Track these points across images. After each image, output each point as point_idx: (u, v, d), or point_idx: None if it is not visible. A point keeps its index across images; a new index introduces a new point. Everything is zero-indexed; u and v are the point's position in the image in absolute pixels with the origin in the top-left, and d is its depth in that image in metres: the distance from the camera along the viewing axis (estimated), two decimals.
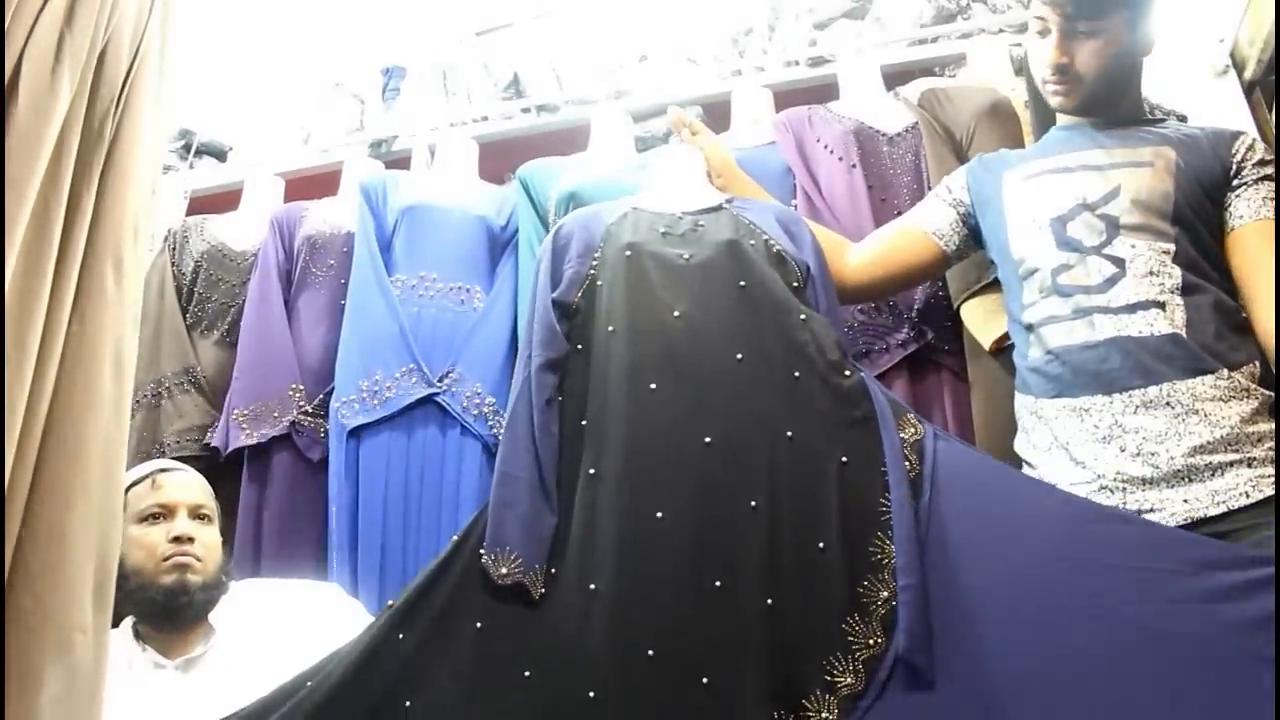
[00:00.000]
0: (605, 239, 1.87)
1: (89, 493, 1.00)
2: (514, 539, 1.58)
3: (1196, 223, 1.69)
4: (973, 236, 1.94)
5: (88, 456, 1.01)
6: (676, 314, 1.72)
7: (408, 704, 1.48)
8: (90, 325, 1.05)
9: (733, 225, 1.88)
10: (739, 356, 1.68)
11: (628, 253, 1.80)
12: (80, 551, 0.98)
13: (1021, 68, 2.34)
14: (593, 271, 1.82)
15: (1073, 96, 1.81)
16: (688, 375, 1.68)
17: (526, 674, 1.51)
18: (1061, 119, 1.90)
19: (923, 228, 1.96)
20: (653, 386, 1.66)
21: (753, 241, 1.84)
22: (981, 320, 2.05)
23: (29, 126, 1.03)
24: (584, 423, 1.69)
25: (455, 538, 1.61)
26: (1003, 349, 2.00)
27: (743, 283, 1.76)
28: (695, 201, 1.99)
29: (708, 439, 1.62)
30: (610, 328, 1.74)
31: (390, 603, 1.55)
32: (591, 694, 1.46)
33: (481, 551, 1.57)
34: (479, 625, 1.54)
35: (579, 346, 1.76)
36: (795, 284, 1.80)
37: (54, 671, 0.94)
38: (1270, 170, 1.72)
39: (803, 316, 1.73)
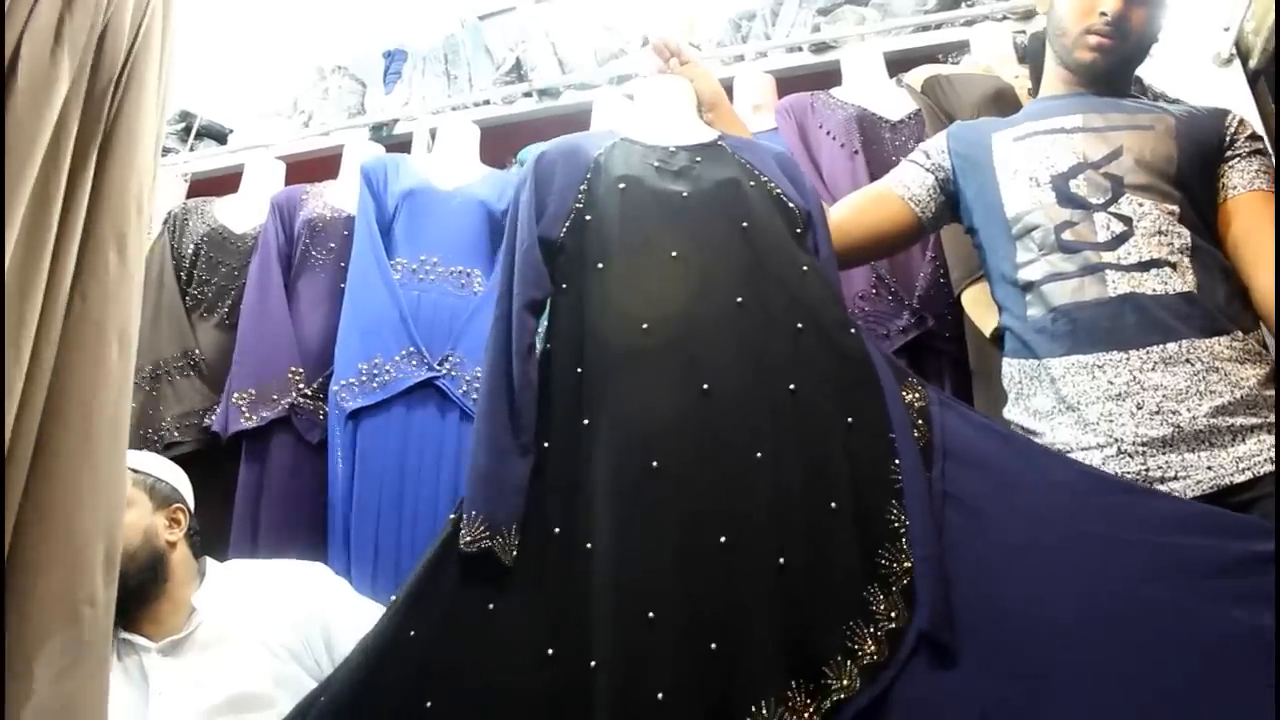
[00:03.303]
0: (593, 170, 1.76)
1: (95, 468, 1.00)
2: (480, 501, 1.48)
3: (1196, 188, 1.68)
4: (950, 205, 1.90)
5: (93, 433, 1.01)
6: (674, 254, 1.63)
7: (429, 704, 1.39)
8: (93, 304, 1.05)
9: (732, 164, 1.80)
10: (739, 300, 1.60)
11: (621, 186, 1.70)
12: (87, 526, 0.98)
13: (1025, 55, 2.34)
14: (579, 205, 1.71)
15: (1110, 55, 1.78)
16: (684, 318, 1.58)
17: (550, 651, 1.41)
18: (1048, 89, 1.89)
19: (897, 192, 1.91)
20: (645, 327, 1.57)
21: (752, 183, 1.76)
22: (983, 308, 2.03)
23: (29, 106, 1.03)
24: (580, 371, 1.59)
25: (451, 517, 1.51)
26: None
27: (745, 224, 1.67)
28: (688, 136, 1.89)
29: (705, 386, 1.53)
30: (600, 265, 1.64)
31: (393, 598, 1.46)
32: (593, 663, 1.37)
33: (458, 517, 1.48)
34: (491, 606, 1.45)
35: (564, 286, 1.67)
36: (797, 230, 1.73)
37: (62, 644, 0.94)
38: (1260, 145, 1.73)
39: (805, 268, 1.66)
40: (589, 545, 1.44)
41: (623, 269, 1.63)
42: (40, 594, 0.94)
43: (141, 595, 1.76)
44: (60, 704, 0.94)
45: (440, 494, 2.18)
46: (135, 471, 1.86)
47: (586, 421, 1.54)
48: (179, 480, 1.95)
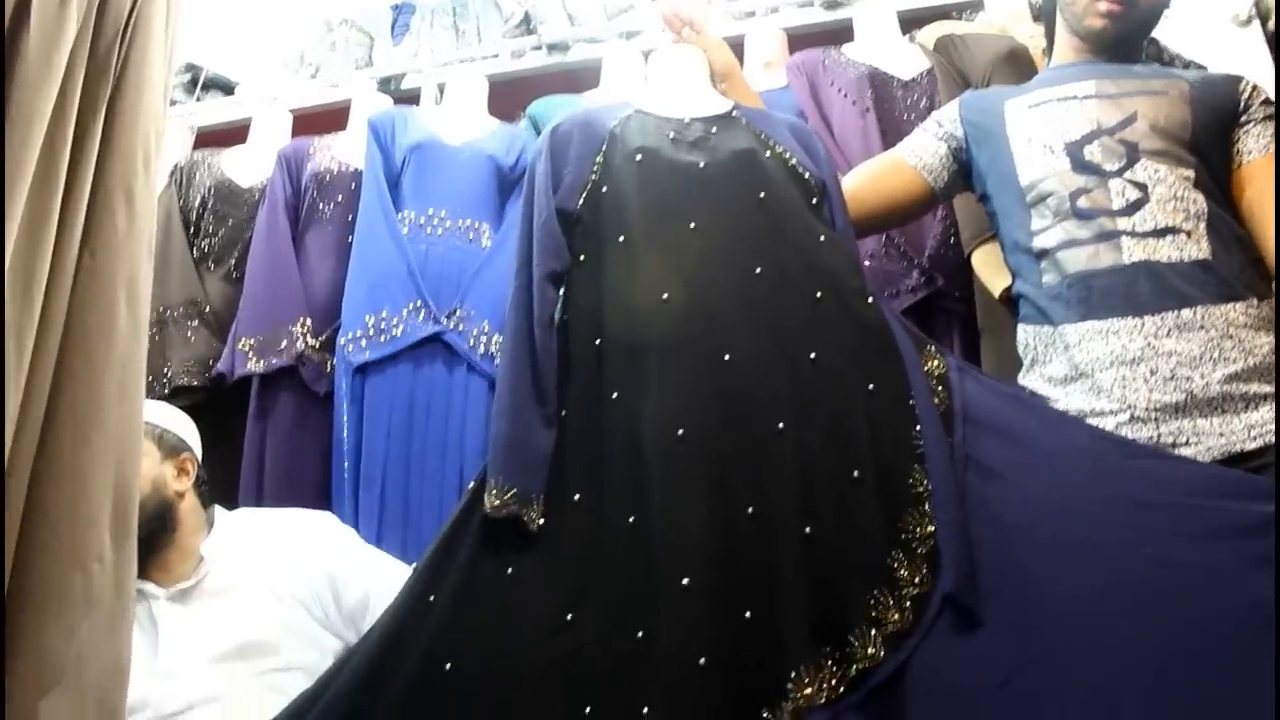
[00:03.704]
0: (609, 142, 1.77)
1: (104, 424, 1.00)
2: (507, 468, 1.51)
3: (1211, 153, 1.68)
4: (962, 173, 1.89)
5: (102, 388, 1.01)
6: (693, 225, 1.65)
7: (448, 667, 1.42)
8: (101, 257, 1.04)
9: (746, 135, 1.80)
10: (758, 270, 1.62)
11: (638, 158, 1.71)
12: (96, 482, 0.98)
13: (1040, 14, 2.31)
14: (595, 177, 1.72)
15: (1120, 22, 1.77)
16: (704, 289, 1.60)
17: (569, 617, 1.45)
18: (1059, 57, 1.87)
19: (910, 162, 1.91)
20: (664, 298, 1.59)
21: (768, 154, 1.76)
22: (994, 268, 2.02)
23: (38, 58, 1.02)
24: (599, 342, 1.61)
25: (472, 484, 1.54)
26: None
27: (762, 194, 1.68)
28: (703, 107, 1.89)
29: (726, 356, 1.55)
30: (620, 238, 1.66)
31: (415, 565, 1.50)
32: (640, 634, 1.40)
33: (480, 484, 1.51)
34: (510, 570, 1.48)
35: (581, 258, 1.68)
36: (813, 200, 1.73)
37: (71, 600, 0.95)
38: (1275, 110, 1.71)
39: (822, 237, 1.67)
40: (614, 514, 1.48)
41: (641, 241, 1.65)
42: (51, 550, 0.94)
43: (150, 544, 1.77)
44: (71, 659, 0.95)
45: (447, 448, 2.19)
46: (144, 421, 1.87)
47: (607, 392, 1.56)
48: (187, 430, 1.96)
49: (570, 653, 1.43)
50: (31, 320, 0.97)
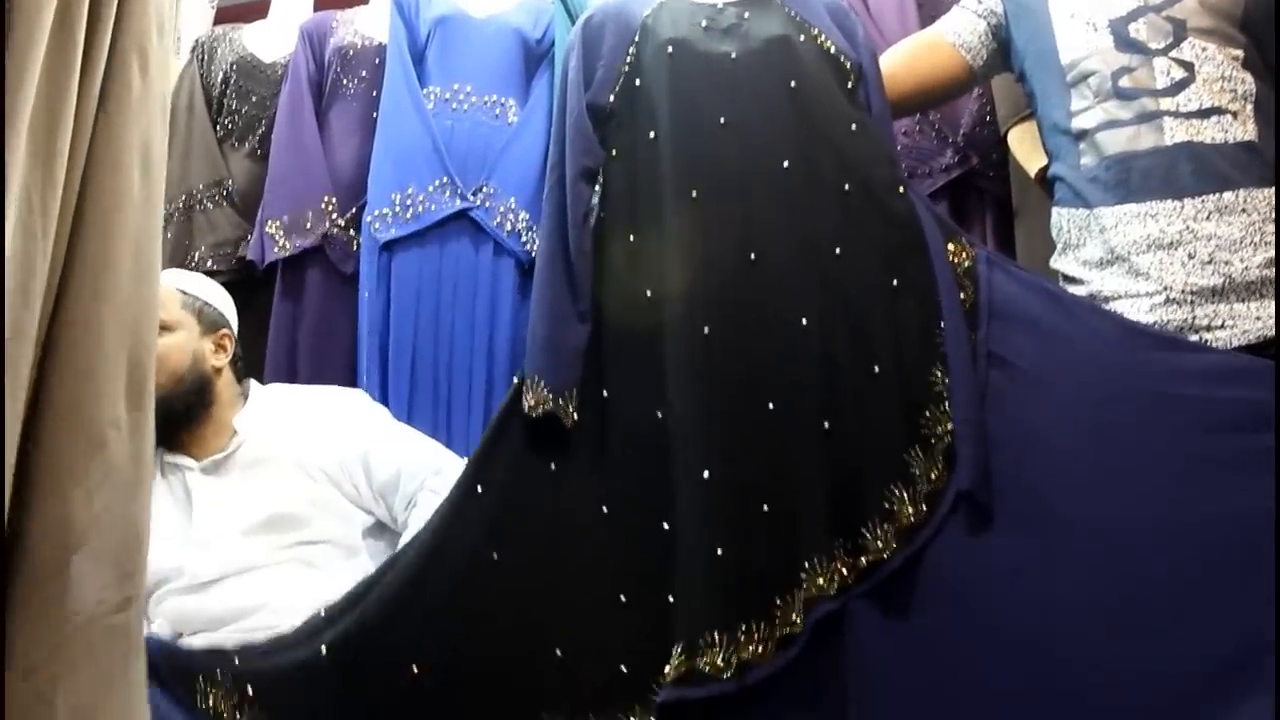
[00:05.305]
0: (641, 33, 1.74)
1: (118, 290, 0.99)
2: (541, 366, 1.55)
3: (1264, 33, 1.61)
4: (1002, 52, 1.84)
5: (116, 253, 1.00)
6: (723, 120, 1.63)
7: (495, 557, 1.49)
8: (116, 121, 1.02)
9: (781, 19, 1.75)
10: (785, 164, 1.61)
11: (669, 49, 1.69)
12: (110, 347, 0.98)
13: None
14: (628, 69, 1.72)
15: None
16: (732, 185, 1.60)
17: (605, 509, 1.51)
18: None
19: (948, 40, 1.85)
20: (694, 195, 1.59)
21: (803, 38, 1.72)
22: (1030, 147, 1.98)
23: None
24: (632, 239, 1.63)
25: (515, 379, 1.58)
26: None
27: (793, 83, 1.66)
28: None
29: (753, 254, 1.56)
30: (651, 134, 1.66)
31: (465, 460, 1.57)
32: (665, 525, 1.46)
33: (517, 382, 1.56)
34: (553, 466, 1.54)
35: (614, 153, 1.69)
36: (848, 84, 1.70)
37: (88, 467, 0.95)
38: None
39: (854, 126, 1.65)
40: (640, 409, 1.53)
41: (671, 137, 1.64)
42: (67, 415, 0.95)
43: (189, 418, 1.81)
44: (91, 522, 0.96)
45: (475, 325, 2.19)
46: (184, 294, 1.89)
47: (639, 289, 1.59)
48: (226, 305, 1.98)
49: (605, 545, 1.49)
50: (55, 189, 0.96)
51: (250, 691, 1.42)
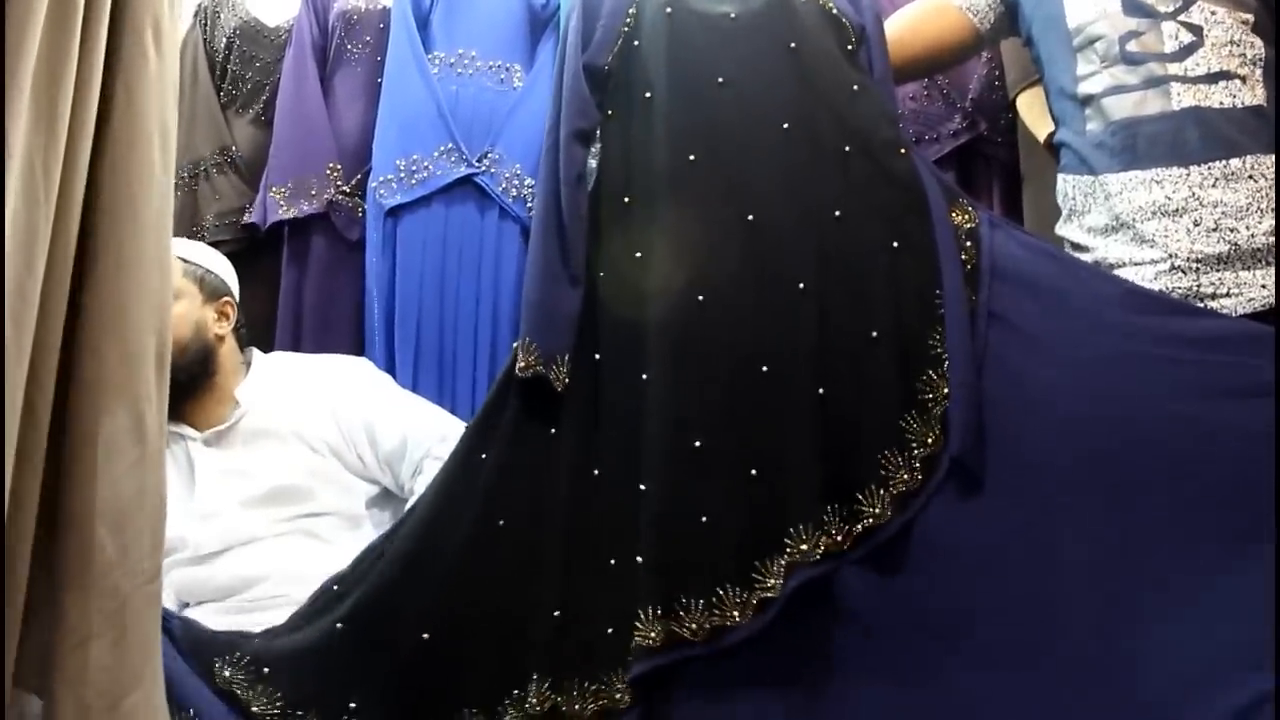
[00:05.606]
0: None
1: (144, 263, 1.00)
2: (534, 329, 1.54)
3: None
4: (1009, 15, 1.82)
5: (142, 226, 1.00)
6: (721, 80, 1.62)
7: (501, 523, 1.49)
8: (136, 95, 1.02)
9: None
10: (785, 126, 1.59)
11: (668, 9, 1.67)
12: (140, 320, 0.99)
13: None
14: (627, 29, 1.69)
15: None
16: (730, 148, 1.59)
17: (596, 472, 1.50)
18: None
19: (955, 2, 1.84)
20: (691, 158, 1.58)
21: None
22: (1039, 112, 1.96)
23: None
24: (627, 200, 1.61)
25: (515, 344, 1.57)
26: None
27: (793, 44, 1.64)
28: None
29: (750, 217, 1.55)
30: (648, 94, 1.64)
31: (467, 425, 1.56)
32: (642, 486, 1.45)
33: (516, 346, 1.55)
34: (553, 431, 1.53)
35: (610, 113, 1.67)
36: (849, 46, 1.68)
37: (128, 440, 0.97)
38: None
39: (855, 87, 1.63)
40: (637, 374, 1.51)
41: (669, 98, 1.63)
42: (109, 394, 0.96)
43: (191, 388, 1.80)
44: (131, 494, 0.98)
45: (481, 290, 2.19)
46: (186, 262, 1.87)
47: (632, 252, 1.57)
48: (228, 273, 1.97)
49: (596, 508, 1.49)
50: (81, 166, 0.96)
51: (265, 670, 1.42)
